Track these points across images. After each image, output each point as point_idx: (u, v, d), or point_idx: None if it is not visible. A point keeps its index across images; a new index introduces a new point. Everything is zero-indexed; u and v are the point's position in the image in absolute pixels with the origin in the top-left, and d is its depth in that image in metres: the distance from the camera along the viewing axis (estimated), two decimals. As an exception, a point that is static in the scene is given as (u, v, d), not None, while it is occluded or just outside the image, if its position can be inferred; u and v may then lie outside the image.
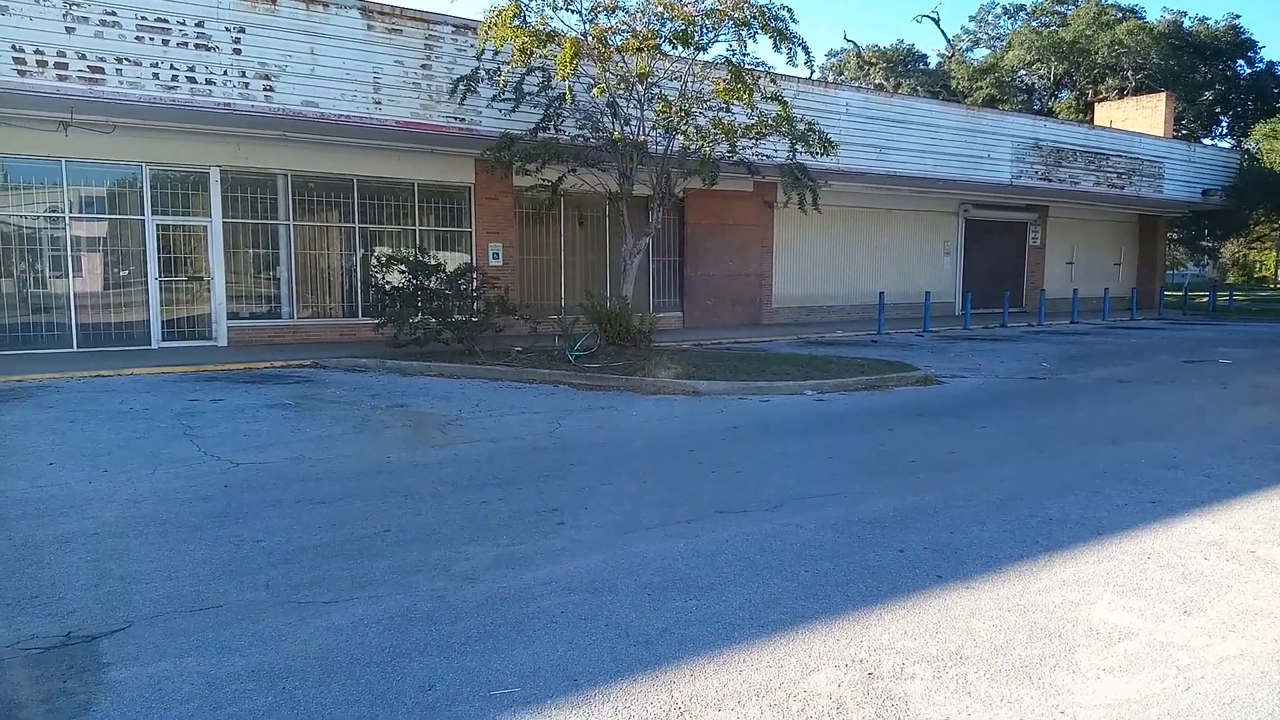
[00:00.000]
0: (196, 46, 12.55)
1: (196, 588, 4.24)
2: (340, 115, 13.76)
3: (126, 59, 12.08)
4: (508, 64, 13.39)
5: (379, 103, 14.03)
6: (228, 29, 12.74)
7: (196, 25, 12.52)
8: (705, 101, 14.10)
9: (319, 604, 4.06)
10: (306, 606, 4.03)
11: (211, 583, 4.32)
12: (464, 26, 14.63)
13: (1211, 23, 43.45)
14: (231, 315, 15.04)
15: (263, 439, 7.81)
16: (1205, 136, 43.26)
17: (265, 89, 13.10)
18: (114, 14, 11.93)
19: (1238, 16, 45.07)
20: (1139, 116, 29.92)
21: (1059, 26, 43.89)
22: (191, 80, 12.57)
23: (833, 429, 8.86)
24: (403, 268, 13.67)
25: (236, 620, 3.87)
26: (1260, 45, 45.64)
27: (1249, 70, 43.49)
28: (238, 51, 12.84)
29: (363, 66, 13.83)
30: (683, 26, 13.02)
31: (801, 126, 13.79)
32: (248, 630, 3.76)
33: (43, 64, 11.59)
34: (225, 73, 12.79)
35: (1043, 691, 3.32)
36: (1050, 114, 40.17)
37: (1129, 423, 9.26)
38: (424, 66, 14.39)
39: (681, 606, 4.06)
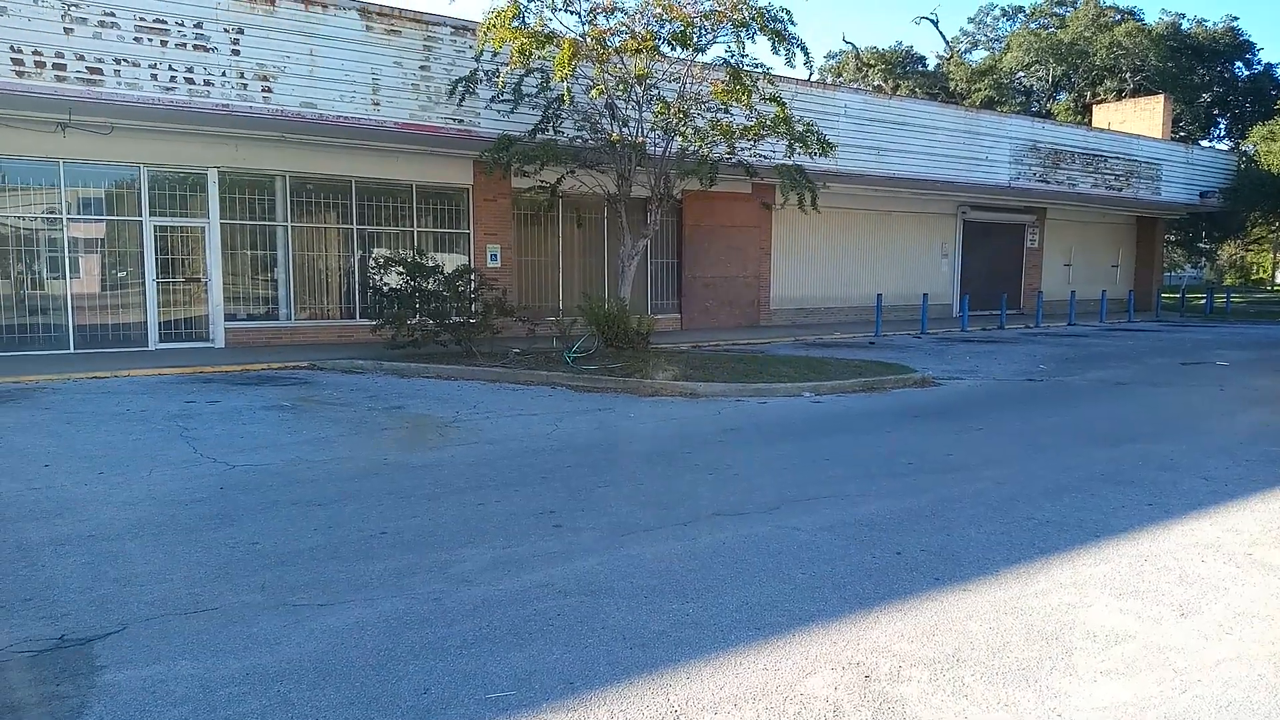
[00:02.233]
0: (195, 47, 12.54)
1: (191, 590, 4.23)
2: (339, 116, 13.76)
3: (125, 60, 12.07)
4: (506, 65, 13.40)
5: (378, 104, 14.03)
6: (226, 30, 12.74)
7: (195, 26, 12.51)
8: (704, 103, 14.11)
9: (314, 606, 4.05)
10: (302, 609, 4.02)
11: (207, 585, 4.30)
12: (463, 28, 14.63)
13: (1210, 25, 43.58)
14: (229, 317, 15.03)
15: (259, 441, 7.80)
16: (1203, 138, 43.33)
17: (264, 90, 13.09)
18: (112, 14, 11.92)
19: (1236, 19, 45.36)
20: (1137, 118, 29.96)
21: (1057, 28, 43.97)
22: (190, 81, 12.56)
23: (830, 431, 8.86)
24: (401, 269, 13.66)
25: (231, 623, 3.86)
26: (1258, 47, 45.92)
27: (1247, 72, 43.58)
28: (236, 53, 12.84)
29: (361, 68, 13.83)
30: (681, 28, 13.03)
31: (800, 128, 13.80)
32: (243, 633, 3.75)
33: (41, 65, 11.58)
34: (224, 74, 12.78)
35: (1040, 694, 3.32)
36: (1048, 116, 40.20)
37: (1126, 425, 9.26)
38: (423, 68, 14.38)
39: (678, 609, 4.06)
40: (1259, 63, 43.62)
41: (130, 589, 4.23)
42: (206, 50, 12.63)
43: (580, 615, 3.97)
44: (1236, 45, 43.11)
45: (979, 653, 3.65)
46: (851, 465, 7.16)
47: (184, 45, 12.46)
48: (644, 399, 10.61)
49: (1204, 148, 34.35)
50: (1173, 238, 36.51)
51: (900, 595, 4.27)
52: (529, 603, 4.11)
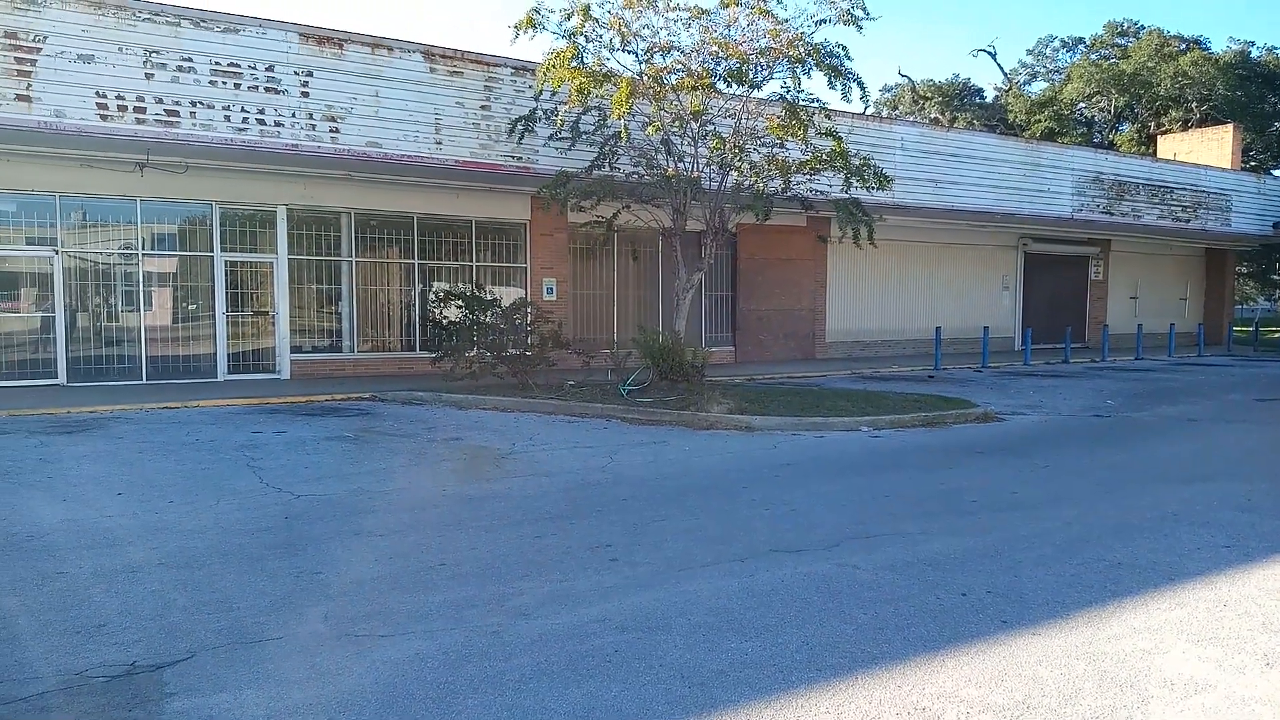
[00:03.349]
0: (266, 90, 13.03)
1: (257, 619, 4.31)
2: (403, 155, 14.12)
3: (200, 102, 12.59)
4: (565, 104, 13.63)
5: (440, 143, 14.37)
6: (296, 73, 13.21)
7: (267, 70, 13.00)
8: (759, 138, 14.16)
9: (376, 637, 4.09)
10: (363, 640, 4.07)
11: (272, 614, 4.38)
12: (522, 68, 14.95)
13: (1280, 52, 42.41)
14: (294, 349, 15.43)
15: (323, 471, 7.95)
16: (1275, 168, 42.02)
17: (331, 130, 13.52)
18: (190, 60, 12.46)
19: (1307, 45, 43.81)
20: (1204, 148, 29.21)
21: (1119, 59, 43.23)
22: (261, 122, 13.03)
23: (890, 466, 8.71)
24: (459, 302, 13.91)
25: (295, 652, 3.91)
26: (1332, 74, 44.24)
27: (1321, 100, 42.25)
28: (305, 94, 13.30)
29: (424, 108, 14.21)
30: (737, 65, 13.14)
31: (856, 162, 13.75)
32: (306, 663, 3.81)
33: (123, 108, 12.14)
34: (293, 115, 13.24)
35: (1115, 746, 3.19)
36: (1111, 147, 39.45)
37: (1199, 463, 8.94)
38: (483, 107, 14.72)
39: (737, 648, 4.00)
40: (1333, 89, 42.29)
41: (199, 617, 4.32)
42: (277, 92, 13.11)
43: (638, 652, 3.95)
44: (1309, 72, 41.87)
45: (1050, 700, 3.53)
46: (912, 502, 7.03)
47: (256, 88, 12.96)
48: (699, 432, 10.57)
49: (1276, 177, 33.31)
50: (1244, 269, 35.38)
51: (966, 638, 4.15)
52: (586, 638, 4.10)
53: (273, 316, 15.19)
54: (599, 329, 18.41)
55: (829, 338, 21.80)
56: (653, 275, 19.06)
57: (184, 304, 14.80)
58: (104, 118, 12.05)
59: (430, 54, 14.31)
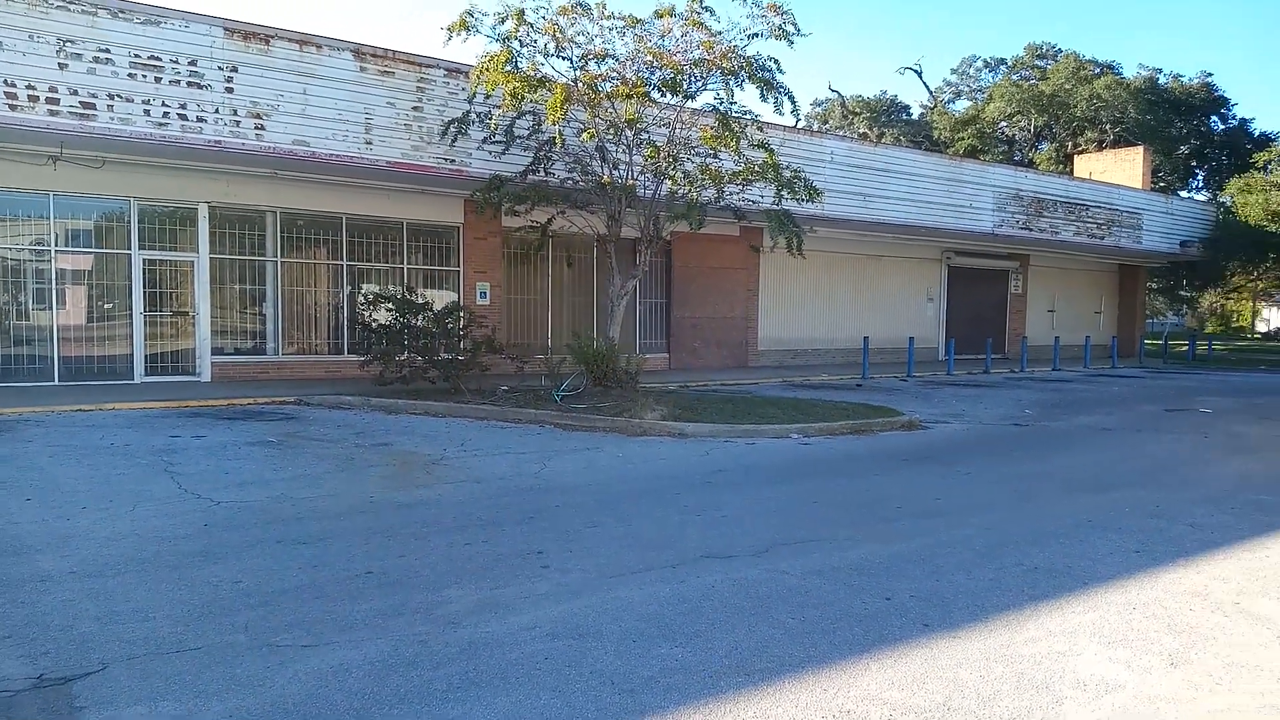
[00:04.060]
0: (189, 84, 12.65)
1: (174, 629, 4.17)
2: (331, 154, 13.85)
3: (119, 95, 12.15)
4: (499, 108, 13.55)
5: (370, 143, 14.14)
6: (220, 68, 12.86)
7: (190, 64, 12.62)
8: (693, 148, 14.28)
9: (298, 648, 3.99)
10: (285, 650, 3.96)
11: (189, 624, 4.24)
12: (456, 70, 14.82)
13: (1186, 79, 44.61)
14: (216, 351, 14.97)
15: (244, 477, 7.73)
16: (1182, 189, 44.14)
17: (256, 128, 13.18)
18: (107, 51, 12.02)
19: (1210, 74, 46.21)
20: (1117, 168, 30.53)
21: (1038, 80, 44.91)
22: (183, 117, 12.64)
23: (819, 473, 8.86)
24: (390, 305, 13.68)
25: (214, 663, 3.79)
26: (1233, 103, 46.78)
27: (1222, 126, 44.58)
28: (230, 90, 12.95)
29: (354, 107, 13.97)
30: (672, 75, 13.24)
31: (787, 173, 13.97)
32: (225, 674, 3.69)
33: (34, 99, 11.64)
34: (217, 111, 12.87)
35: (1031, 744, 3.29)
36: (1031, 165, 40.91)
37: (1112, 471, 9.31)
38: (415, 108, 14.54)
39: (667, 653, 4.02)
40: (1234, 117, 44.68)
41: (112, 627, 4.16)
42: (200, 87, 12.73)
43: (568, 659, 3.93)
44: (1212, 100, 44.12)
45: (970, 702, 3.63)
46: (840, 508, 7.16)
47: (178, 82, 12.57)
48: (632, 439, 10.59)
49: (1183, 198, 35.01)
50: (1155, 285, 36.99)
51: (891, 642, 4.25)
52: (516, 645, 4.07)
53: (193, 317, 14.71)
54: (533, 334, 18.33)
55: (761, 346, 22.09)
56: (588, 281, 19.05)
57: (99, 303, 14.23)
58: (13, 108, 11.53)
59: (361, 53, 14.08)
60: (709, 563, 5.47)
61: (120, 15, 12.10)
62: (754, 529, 6.37)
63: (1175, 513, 7.15)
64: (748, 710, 3.50)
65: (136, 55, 12.24)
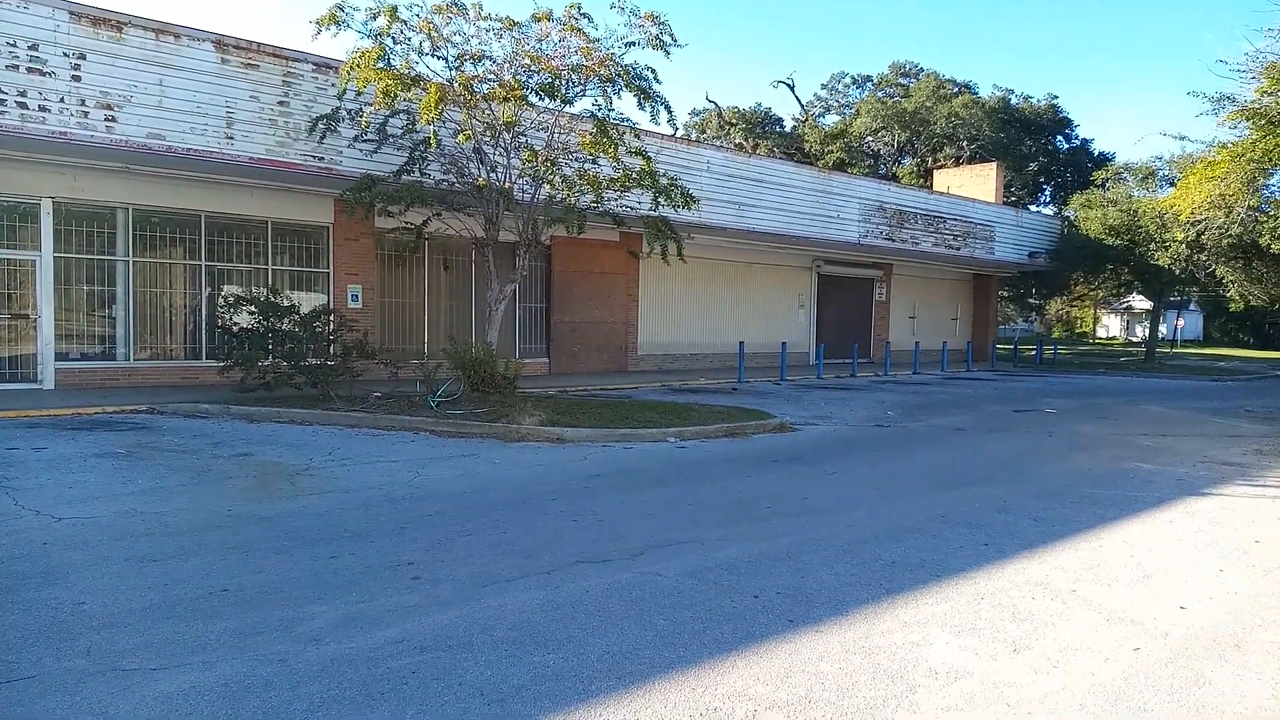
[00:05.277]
0: (29, 70, 11.77)
1: (6, 656, 3.86)
2: (189, 149, 13.15)
3: (-54, 79, 11.19)
4: (370, 105, 13.18)
5: (231, 137, 13.51)
6: (66, 54, 12.02)
7: (30, 49, 11.75)
8: (572, 153, 14.28)
9: (146, 671, 3.77)
10: (131, 674, 3.74)
11: (24, 650, 3.94)
12: (325, 65, 14.34)
13: (1035, 101, 47.70)
14: (60, 356, 13.95)
15: (89, 491, 7.24)
16: (1031, 204, 47.18)
17: (107, 119, 12.39)
18: (-67, 30, 11.06)
19: (1056, 97, 49.69)
20: (973, 183, 32.34)
21: (902, 97, 47.15)
22: (23, 105, 11.75)
23: (694, 476, 9.01)
24: (253, 308, 13.06)
25: (50, 691, 3.54)
26: (1076, 124, 50.50)
27: (1067, 145, 47.96)
28: (77, 79, 12.12)
29: (215, 100, 13.32)
30: (549, 79, 13.20)
31: (664, 181, 14.14)
32: (64, 702, 3.45)
33: None
34: (62, 100, 12.03)
35: (886, 732, 3.45)
36: (894, 179, 42.89)
37: (965, 468, 9.85)
38: (281, 103, 13.98)
39: (539, 661, 4.01)
40: (1076, 137, 48.16)
41: (-71, 659, 3.82)
42: (43, 74, 11.87)
43: (436, 672, 3.86)
44: (1058, 121, 47.39)
45: (829, 694, 3.77)
46: (713, 510, 7.30)
47: (16, 67, 11.68)
48: (510, 444, 10.50)
49: (1032, 212, 37.39)
50: (1006, 294, 39.37)
51: (757, 638, 4.36)
52: (382, 661, 3.97)
53: (34, 320, 13.67)
54: (409, 339, 17.91)
55: (641, 350, 22.29)
56: (465, 285, 18.76)
57: (-78, 304, 13.04)
58: None
59: (223, 44, 13.43)
60: (583, 568, 5.48)
61: (-52, -8, 11.17)
62: (629, 532, 6.42)
63: (1021, 507, 7.63)
64: (618, 713, 3.52)
65: (-33, 36, 11.30)
